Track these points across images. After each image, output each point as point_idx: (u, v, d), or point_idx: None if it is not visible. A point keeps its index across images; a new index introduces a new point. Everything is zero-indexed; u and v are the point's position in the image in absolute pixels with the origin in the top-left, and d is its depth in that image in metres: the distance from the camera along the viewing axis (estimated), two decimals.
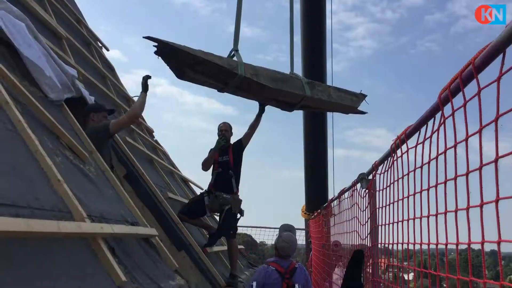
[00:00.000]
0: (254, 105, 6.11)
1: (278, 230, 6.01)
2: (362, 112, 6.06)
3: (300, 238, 12.52)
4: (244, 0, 5.47)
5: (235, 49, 5.24)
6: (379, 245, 3.47)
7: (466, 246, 1.66)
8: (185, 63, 4.75)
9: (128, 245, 3.25)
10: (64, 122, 3.76)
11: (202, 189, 7.93)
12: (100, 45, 8.60)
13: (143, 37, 4.44)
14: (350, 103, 5.87)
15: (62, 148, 3.28)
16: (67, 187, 2.65)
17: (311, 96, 5.50)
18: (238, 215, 6.06)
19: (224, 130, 6.21)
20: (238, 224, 6.24)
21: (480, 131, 1.46)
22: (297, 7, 10.20)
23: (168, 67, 4.77)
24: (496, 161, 1.34)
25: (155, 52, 4.56)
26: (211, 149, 6.20)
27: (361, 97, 5.96)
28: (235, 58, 5.17)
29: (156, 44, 4.53)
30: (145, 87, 4.87)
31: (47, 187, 2.54)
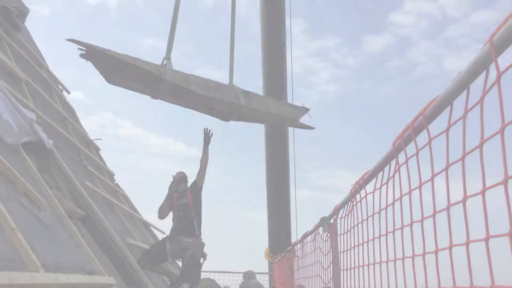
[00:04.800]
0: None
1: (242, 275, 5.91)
2: (309, 127, 6.07)
3: (264, 282, 12.30)
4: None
5: (167, 56, 5.22)
6: None
7: None
8: (112, 67, 4.74)
9: None
10: (20, 167, 3.65)
11: (164, 233, 7.75)
12: (61, 87, 8.50)
13: (66, 40, 4.36)
14: (290, 115, 5.84)
15: (17, 194, 3.18)
16: (21, 235, 2.55)
17: (246, 106, 5.47)
18: (201, 260, 5.93)
19: (178, 179, 6.17)
20: (201, 269, 6.10)
21: (432, 179, 1.51)
22: (259, 51, 10.38)
23: (97, 71, 4.75)
24: (448, 208, 1.39)
25: (81, 55, 4.53)
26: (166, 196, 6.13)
27: (303, 110, 5.94)
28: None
29: (81, 47, 4.49)
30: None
31: None
